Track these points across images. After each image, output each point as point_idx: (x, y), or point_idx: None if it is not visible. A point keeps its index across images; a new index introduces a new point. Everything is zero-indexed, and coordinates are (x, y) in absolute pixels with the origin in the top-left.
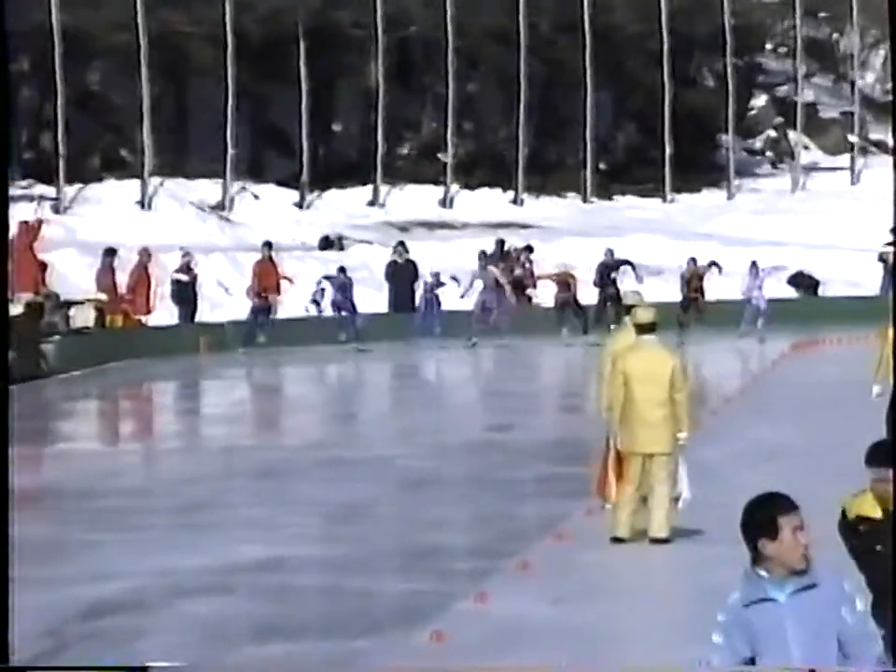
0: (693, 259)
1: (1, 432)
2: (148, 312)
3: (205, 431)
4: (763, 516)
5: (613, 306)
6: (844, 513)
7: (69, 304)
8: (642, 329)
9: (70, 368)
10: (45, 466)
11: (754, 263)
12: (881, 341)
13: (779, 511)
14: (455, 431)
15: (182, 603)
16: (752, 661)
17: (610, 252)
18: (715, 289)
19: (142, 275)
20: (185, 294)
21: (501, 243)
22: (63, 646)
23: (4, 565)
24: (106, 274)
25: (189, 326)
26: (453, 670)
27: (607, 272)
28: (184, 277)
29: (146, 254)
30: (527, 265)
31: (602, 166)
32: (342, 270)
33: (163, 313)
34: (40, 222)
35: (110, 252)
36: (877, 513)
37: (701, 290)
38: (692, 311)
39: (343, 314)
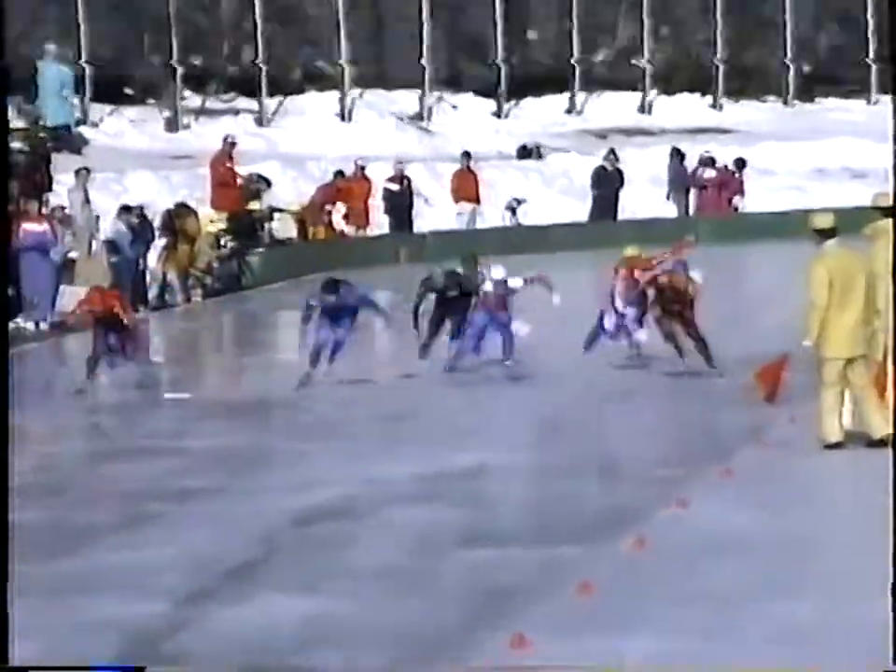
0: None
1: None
2: (367, 223)
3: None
4: None
5: None
6: None
7: (272, 214)
8: (823, 234)
9: (273, 279)
10: (249, 376)
11: None
12: None
13: None
14: None
15: (391, 510)
16: None
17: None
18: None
19: (360, 186)
20: (397, 204)
21: (678, 152)
22: (274, 551)
23: (4, 568)
24: (328, 192)
25: (390, 236)
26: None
27: None
28: (395, 187)
29: (359, 165)
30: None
31: (804, 68)
32: (332, 287)
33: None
34: (233, 144)
35: (339, 174)
36: None
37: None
38: None
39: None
